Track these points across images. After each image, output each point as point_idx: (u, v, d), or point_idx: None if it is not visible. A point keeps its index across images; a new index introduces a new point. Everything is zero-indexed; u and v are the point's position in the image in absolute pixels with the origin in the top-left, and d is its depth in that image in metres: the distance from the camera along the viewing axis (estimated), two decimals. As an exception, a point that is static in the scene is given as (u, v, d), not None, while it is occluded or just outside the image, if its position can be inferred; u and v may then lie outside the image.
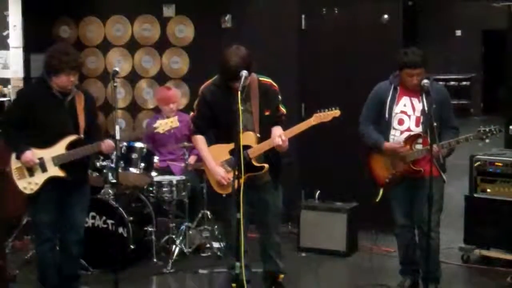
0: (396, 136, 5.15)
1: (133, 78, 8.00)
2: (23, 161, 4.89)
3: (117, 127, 4.73)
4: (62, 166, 4.93)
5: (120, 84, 7.83)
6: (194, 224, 6.49)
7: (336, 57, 7.10)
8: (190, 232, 6.35)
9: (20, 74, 7.72)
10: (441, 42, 16.25)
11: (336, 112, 4.89)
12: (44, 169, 4.92)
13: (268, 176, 5.03)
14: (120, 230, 5.87)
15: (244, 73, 4.63)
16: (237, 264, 4.47)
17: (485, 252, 6.06)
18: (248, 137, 4.83)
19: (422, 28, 15.41)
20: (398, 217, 5.29)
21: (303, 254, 6.40)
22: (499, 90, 11.66)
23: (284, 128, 4.99)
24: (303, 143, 6.99)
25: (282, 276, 5.28)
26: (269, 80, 5.07)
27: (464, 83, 16.94)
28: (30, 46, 7.73)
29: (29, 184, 4.94)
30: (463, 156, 6.27)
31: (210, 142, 5.11)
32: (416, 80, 5.00)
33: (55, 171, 4.93)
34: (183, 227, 6.26)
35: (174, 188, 6.23)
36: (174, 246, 6.14)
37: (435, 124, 4.67)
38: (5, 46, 7.75)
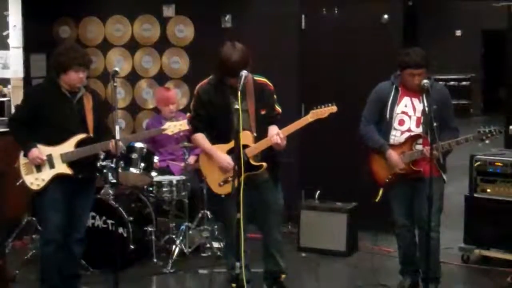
0: (397, 137, 5.15)
1: (133, 78, 8.00)
2: (30, 158, 4.91)
3: (117, 127, 4.74)
4: (70, 164, 4.94)
5: (120, 84, 7.83)
6: (194, 224, 6.49)
7: (336, 57, 7.10)
8: (190, 232, 6.35)
9: (20, 74, 7.72)
10: (441, 42, 16.26)
11: (332, 108, 4.88)
12: (52, 166, 4.95)
13: (267, 174, 5.03)
14: (120, 230, 5.87)
15: (244, 72, 4.63)
16: (237, 264, 4.47)
17: (485, 252, 6.06)
18: (245, 137, 4.82)
19: (422, 28, 15.40)
20: (398, 217, 5.29)
21: (303, 254, 6.40)
22: (499, 90, 11.68)
23: (280, 127, 4.98)
24: (303, 143, 7.00)
25: (283, 276, 5.28)
26: (264, 79, 5.07)
27: (464, 83, 16.95)
28: (30, 46, 7.73)
29: (36, 180, 4.96)
30: (463, 156, 6.27)
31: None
32: (418, 81, 4.99)
33: (62, 168, 4.95)
34: (183, 227, 6.26)
35: (174, 188, 6.24)
36: (174, 246, 6.14)
37: (435, 124, 4.67)
38: (5, 46, 7.74)
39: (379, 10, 6.93)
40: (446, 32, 16.90)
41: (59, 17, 8.14)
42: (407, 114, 5.13)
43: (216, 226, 6.42)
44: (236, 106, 4.59)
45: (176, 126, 5.12)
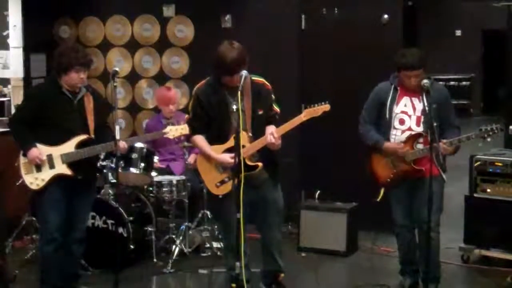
0: (397, 136, 5.15)
1: (133, 78, 8.00)
2: (29, 158, 4.91)
3: (117, 127, 4.74)
4: (70, 165, 4.94)
5: (120, 84, 7.83)
6: (194, 224, 6.49)
7: (336, 57, 7.10)
8: (190, 232, 6.35)
9: (20, 74, 7.72)
10: (441, 42, 16.25)
11: (326, 107, 4.85)
12: (52, 166, 4.95)
13: (265, 173, 5.02)
14: (120, 230, 5.87)
15: (244, 72, 4.64)
16: (237, 264, 4.47)
17: (485, 252, 6.06)
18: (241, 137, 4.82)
19: (422, 28, 15.42)
20: (398, 217, 5.29)
21: (303, 254, 6.39)
22: (499, 90, 11.68)
23: (278, 127, 4.98)
24: (303, 143, 7.00)
25: (282, 275, 5.27)
26: (262, 79, 5.06)
27: (464, 83, 16.93)
28: (30, 46, 7.72)
29: (35, 180, 4.96)
30: (463, 156, 6.26)
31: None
32: (414, 82, 5.01)
33: (62, 168, 4.95)
34: (183, 227, 6.26)
35: (174, 188, 6.24)
36: (174, 246, 6.14)
37: (435, 124, 4.67)
38: (5, 46, 7.74)
39: (379, 10, 6.93)
40: (446, 32, 16.89)
41: (59, 17, 8.14)
42: (407, 114, 5.14)
43: (216, 226, 6.41)
44: (234, 106, 4.60)
45: (177, 130, 5.14)
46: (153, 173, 6.25)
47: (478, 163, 6.05)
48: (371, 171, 5.28)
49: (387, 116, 5.15)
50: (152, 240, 6.15)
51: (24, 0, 7.63)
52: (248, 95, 4.93)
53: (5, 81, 7.72)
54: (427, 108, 4.87)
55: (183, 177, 6.33)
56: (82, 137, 4.97)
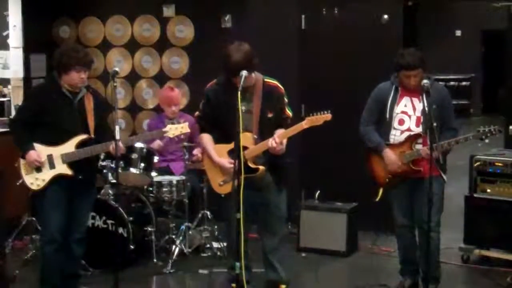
0: (397, 136, 5.15)
1: (133, 78, 8.00)
2: (28, 161, 4.91)
3: (117, 127, 4.74)
4: (70, 165, 4.94)
5: (120, 84, 7.83)
6: (194, 224, 6.49)
7: (336, 57, 7.10)
8: (190, 232, 6.35)
9: (20, 74, 7.72)
10: (441, 42, 16.26)
11: (327, 116, 4.82)
12: (52, 166, 4.95)
13: (269, 177, 5.00)
14: (120, 230, 5.87)
15: (244, 73, 4.62)
16: (237, 264, 4.46)
17: (485, 252, 6.06)
18: (245, 138, 4.81)
19: (422, 28, 15.42)
20: (398, 217, 5.30)
21: (303, 254, 6.40)
22: (499, 90, 11.68)
23: None
24: (303, 143, 6.99)
25: (283, 286, 5.20)
26: (275, 82, 5.04)
27: (464, 83, 16.95)
28: (30, 46, 7.73)
29: (36, 180, 4.96)
30: (463, 156, 6.27)
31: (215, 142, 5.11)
32: (414, 82, 5.02)
33: (63, 168, 4.95)
34: (183, 227, 6.26)
35: (174, 188, 6.24)
36: (174, 246, 6.13)
37: (435, 124, 4.67)
38: (5, 46, 7.75)
39: (379, 10, 6.93)
40: (446, 32, 16.90)
41: (59, 17, 8.14)
42: (407, 114, 5.14)
43: (216, 226, 6.42)
44: (243, 107, 4.63)
45: (177, 129, 5.15)
46: (153, 173, 6.25)
47: (478, 163, 6.05)
48: (370, 171, 5.29)
49: (388, 116, 5.16)
50: (152, 240, 6.15)
51: (24, 0, 7.64)
52: (258, 96, 4.91)
53: (5, 81, 7.73)
54: (426, 109, 4.88)
55: (183, 177, 6.33)
56: (82, 136, 4.97)
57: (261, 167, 4.91)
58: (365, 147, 5.29)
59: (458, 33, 17.30)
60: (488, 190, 6.01)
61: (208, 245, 6.38)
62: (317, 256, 6.32)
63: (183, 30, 7.77)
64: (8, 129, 5.52)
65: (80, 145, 4.95)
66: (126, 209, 5.97)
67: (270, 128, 4.95)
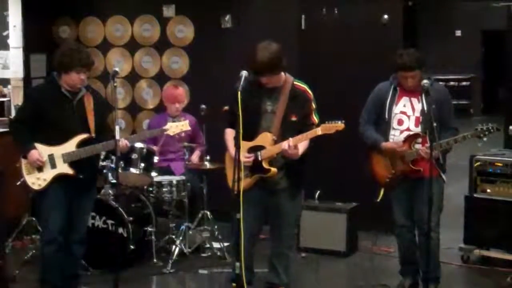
0: (396, 136, 5.15)
1: (133, 78, 8.00)
2: (30, 161, 4.91)
3: (117, 127, 4.74)
4: (71, 164, 4.94)
5: (120, 84, 7.83)
6: (194, 224, 6.49)
7: (336, 57, 7.10)
8: (190, 232, 6.35)
9: (20, 74, 7.73)
10: (441, 42, 16.25)
11: (339, 126, 4.76)
12: (53, 166, 4.94)
13: (285, 182, 4.93)
14: (120, 230, 5.87)
15: (244, 73, 4.60)
16: (237, 264, 4.46)
17: (485, 252, 6.06)
18: (264, 137, 4.82)
19: (422, 28, 15.36)
20: (398, 217, 5.29)
21: (303, 254, 6.39)
22: (499, 90, 11.68)
23: None
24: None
25: None
26: (304, 86, 4.96)
27: (464, 83, 16.93)
28: (30, 46, 7.73)
29: (37, 180, 4.96)
30: (463, 156, 6.27)
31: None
32: (412, 82, 5.02)
33: (64, 168, 4.94)
34: (183, 227, 6.26)
35: (174, 188, 6.24)
36: (174, 246, 6.13)
37: (434, 124, 4.67)
38: (5, 46, 7.75)
39: (379, 10, 6.93)
40: (446, 32, 16.89)
41: (59, 17, 8.14)
42: (406, 114, 5.14)
43: (216, 226, 6.42)
44: (269, 107, 4.76)
45: (178, 127, 5.15)
46: (153, 173, 6.25)
47: (478, 163, 6.05)
48: (371, 171, 5.29)
49: (386, 116, 5.16)
50: (152, 240, 6.15)
51: (24, 0, 7.64)
52: (284, 98, 4.86)
53: (5, 81, 7.73)
54: (426, 109, 4.87)
55: (183, 177, 6.33)
56: (83, 136, 4.96)
57: (273, 169, 4.84)
58: (367, 147, 5.29)
59: (458, 33, 17.29)
60: (488, 190, 6.01)
61: (208, 245, 6.39)
62: (317, 256, 6.31)
63: (183, 30, 7.77)
64: (8, 129, 5.51)
65: (81, 144, 4.95)
66: (126, 209, 5.97)
67: (292, 131, 4.82)
